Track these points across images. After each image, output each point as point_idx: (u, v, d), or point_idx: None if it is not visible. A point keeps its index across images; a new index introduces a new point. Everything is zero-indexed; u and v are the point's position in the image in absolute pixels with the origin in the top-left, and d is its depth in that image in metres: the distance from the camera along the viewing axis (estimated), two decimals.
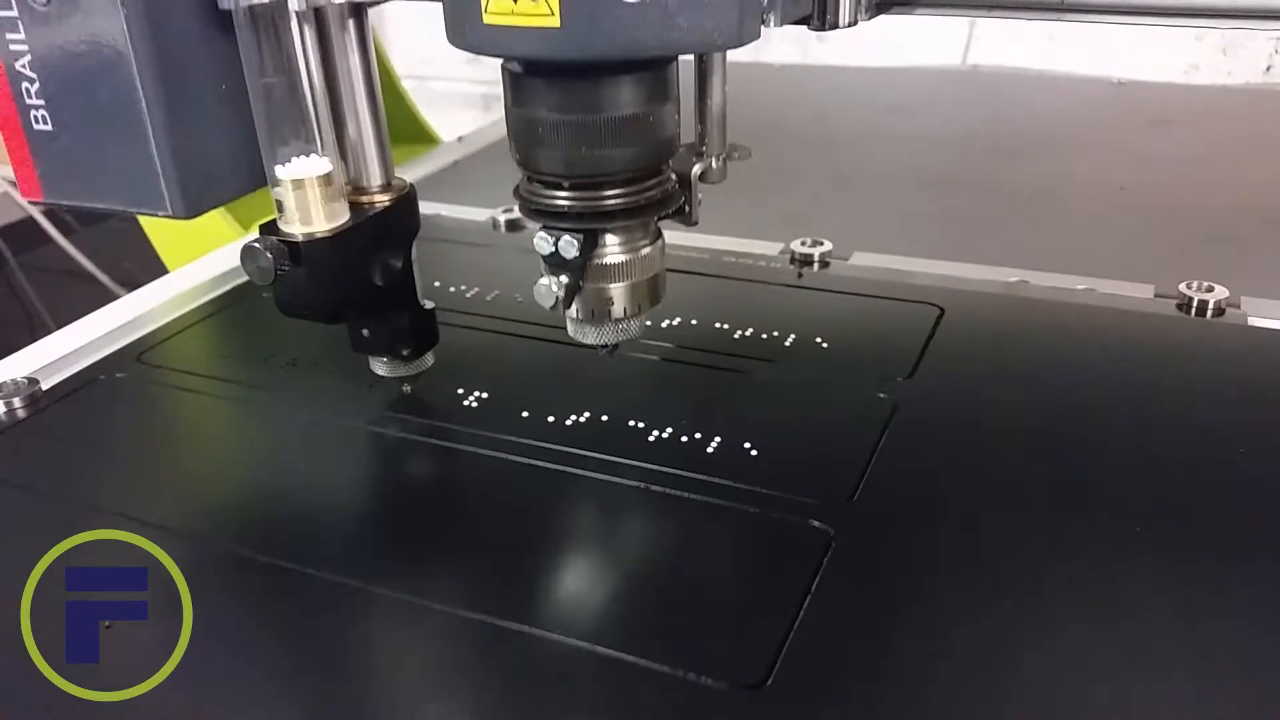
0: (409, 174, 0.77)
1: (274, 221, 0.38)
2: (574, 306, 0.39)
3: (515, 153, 0.37)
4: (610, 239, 0.38)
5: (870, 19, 0.38)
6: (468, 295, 0.55)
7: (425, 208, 0.67)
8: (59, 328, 0.55)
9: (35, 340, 0.53)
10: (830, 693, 0.31)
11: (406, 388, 0.46)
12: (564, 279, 0.37)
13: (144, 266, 0.71)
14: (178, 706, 0.31)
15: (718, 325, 0.51)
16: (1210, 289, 0.51)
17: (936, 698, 0.31)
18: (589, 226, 0.37)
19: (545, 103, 0.34)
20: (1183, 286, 0.52)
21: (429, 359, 0.45)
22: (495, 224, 0.64)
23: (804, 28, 0.44)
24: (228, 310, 0.55)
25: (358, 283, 0.40)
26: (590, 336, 0.40)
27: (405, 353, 0.44)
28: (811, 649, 0.32)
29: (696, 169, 0.39)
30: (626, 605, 0.35)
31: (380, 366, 0.45)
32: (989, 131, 0.87)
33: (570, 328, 0.40)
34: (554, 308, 0.38)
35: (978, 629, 0.33)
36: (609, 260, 0.38)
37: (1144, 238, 0.64)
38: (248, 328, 0.54)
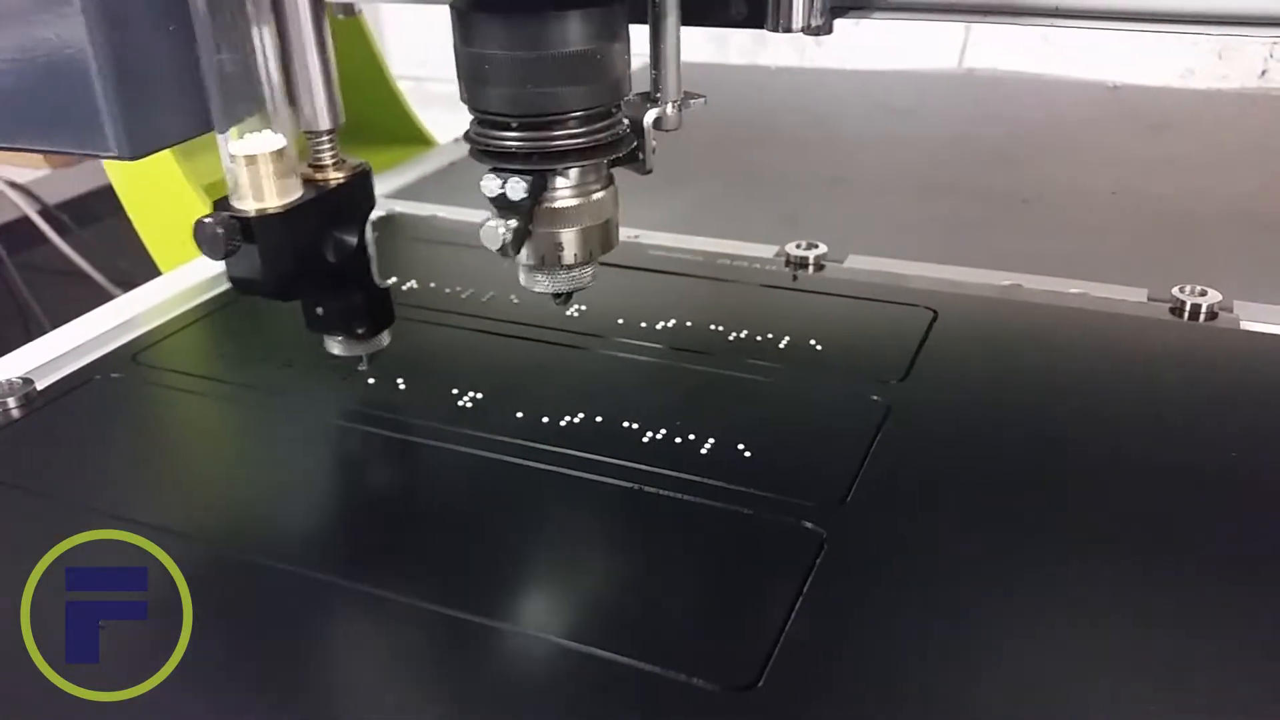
0: (404, 175, 0.78)
1: (228, 198, 0.38)
2: (524, 252, 0.38)
3: (464, 92, 0.36)
4: (560, 182, 0.37)
5: (824, 23, 0.38)
6: (463, 296, 0.55)
7: (421, 209, 0.68)
8: (55, 327, 0.54)
9: (31, 340, 0.53)
10: (821, 695, 0.31)
11: (362, 367, 0.46)
12: (512, 222, 0.37)
13: (140, 266, 0.71)
14: (178, 706, 0.31)
15: (712, 327, 0.51)
16: (1203, 293, 0.51)
17: (927, 700, 0.31)
18: (536, 167, 0.36)
19: (492, 39, 0.34)
20: (1176, 290, 0.52)
21: (385, 338, 0.45)
22: None
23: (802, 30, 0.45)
24: (224, 311, 0.55)
25: (311, 259, 0.41)
26: (542, 284, 0.39)
27: (360, 331, 0.44)
28: (803, 651, 0.32)
29: (650, 116, 0.39)
30: (618, 606, 0.35)
31: (335, 345, 0.45)
32: (984, 135, 0.88)
33: (521, 275, 0.40)
34: (501, 251, 0.37)
35: (969, 631, 0.33)
36: (559, 204, 0.37)
37: (1138, 241, 0.65)
38: (244, 328, 0.54)
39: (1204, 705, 0.31)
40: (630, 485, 0.40)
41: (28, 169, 1.15)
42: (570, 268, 0.39)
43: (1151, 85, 0.96)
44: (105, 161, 0.70)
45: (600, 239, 0.39)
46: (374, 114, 0.84)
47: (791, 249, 0.58)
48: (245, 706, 0.32)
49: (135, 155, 0.36)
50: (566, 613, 0.34)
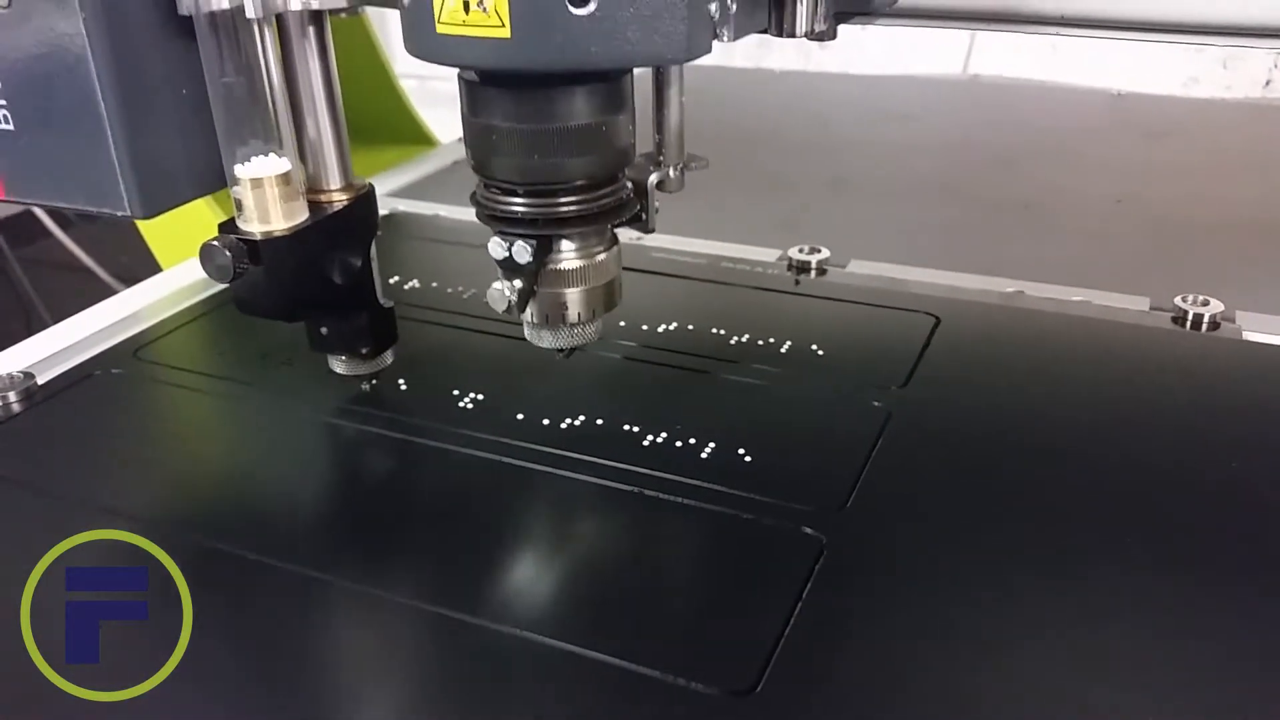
0: (408, 175, 0.78)
1: (233, 220, 0.39)
2: (529, 310, 0.39)
3: (471, 159, 0.37)
4: (565, 245, 0.38)
5: (827, 28, 0.38)
6: (464, 296, 0.55)
7: (423, 208, 0.68)
8: (56, 322, 0.54)
9: (32, 334, 0.53)
10: (820, 700, 0.31)
11: (366, 386, 0.46)
12: (517, 284, 0.38)
13: (142, 262, 0.71)
14: (178, 706, 0.31)
15: (714, 331, 0.51)
16: (1206, 302, 0.51)
17: (927, 706, 0.31)
18: (541, 233, 0.37)
19: (499, 111, 0.35)
20: (1178, 299, 0.52)
21: (388, 357, 0.46)
22: None
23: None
24: (224, 308, 0.55)
25: (316, 281, 0.41)
26: (546, 340, 0.41)
27: (364, 351, 0.44)
28: (802, 656, 0.32)
29: (653, 178, 0.40)
30: (617, 609, 0.35)
31: (339, 365, 0.45)
32: (988, 141, 0.88)
33: (527, 331, 0.41)
34: (507, 311, 0.38)
35: (969, 637, 0.33)
36: (563, 266, 0.38)
37: (1141, 250, 0.65)
38: (245, 325, 0.54)
39: (1204, 712, 0.31)
40: (630, 489, 0.40)
41: None
42: (574, 325, 0.40)
43: (1155, 93, 0.96)
44: None
45: (604, 298, 0.40)
46: (377, 113, 0.84)
47: (794, 253, 0.58)
48: (246, 706, 0.32)
49: (148, 215, 0.37)
50: (565, 616, 0.34)
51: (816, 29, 0.38)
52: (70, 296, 0.64)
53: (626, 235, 0.61)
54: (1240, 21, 0.39)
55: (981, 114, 0.96)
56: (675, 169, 0.41)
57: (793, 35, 0.37)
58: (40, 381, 0.47)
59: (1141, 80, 0.96)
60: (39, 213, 1.13)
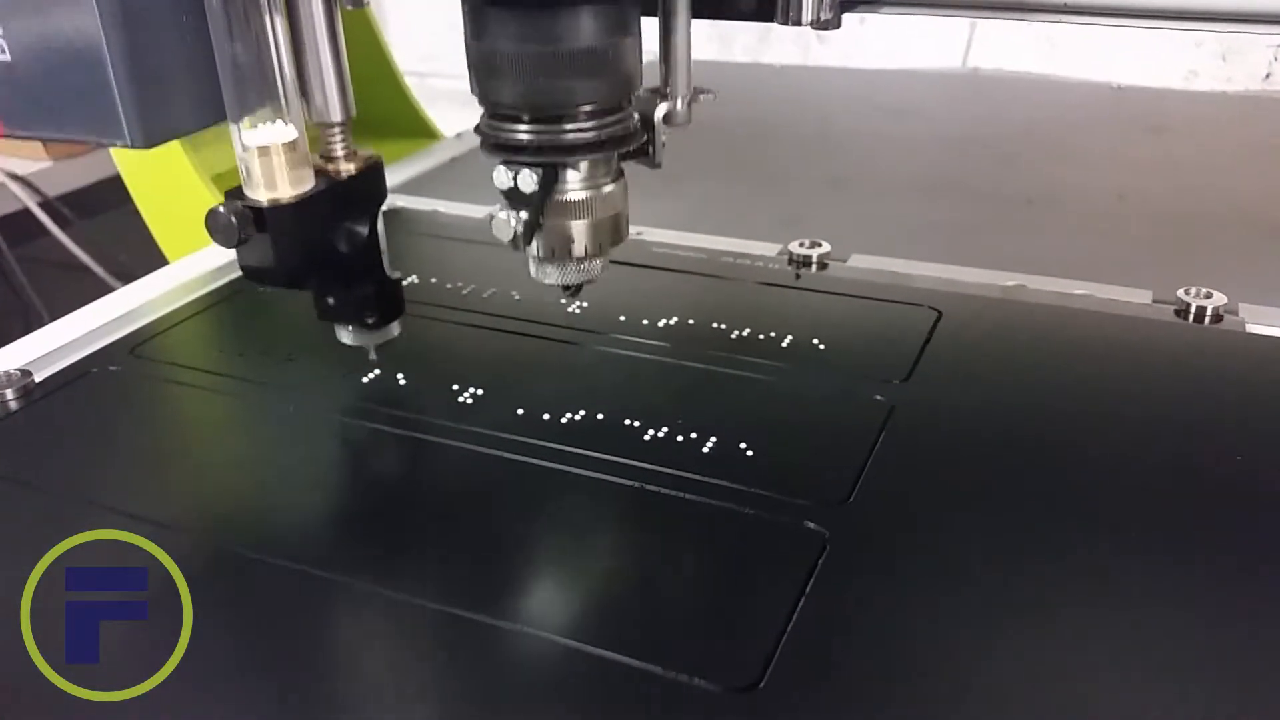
0: (410, 169, 0.77)
1: (240, 188, 0.39)
2: (535, 245, 0.39)
3: (475, 87, 0.37)
4: (571, 175, 0.38)
5: (833, 16, 0.38)
6: (464, 292, 0.55)
7: (425, 204, 0.68)
8: (54, 320, 0.54)
9: (31, 332, 0.53)
10: (824, 695, 0.31)
11: (373, 355, 0.46)
12: (523, 214, 0.37)
13: (141, 260, 0.71)
14: (178, 707, 0.31)
15: (715, 325, 0.50)
16: (1208, 295, 0.51)
17: (931, 701, 0.31)
18: (548, 160, 0.37)
19: (503, 34, 0.34)
20: (1181, 292, 0.52)
21: (395, 328, 0.45)
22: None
23: (804, 29, 0.44)
24: (223, 304, 0.55)
25: (322, 249, 0.41)
26: (552, 276, 0.40)
27: (370, 321, 0.44)
28: (805, 651, 0.32)
29: (660, 111, 0.39)
30: (620, 605, 0.35)
31: (346, 335, 0.45)
32: (988, 135, 0.87)
33: (531, 267, 0.40)
34: (512, 243, 0.38)
35: (973, 632, 0.33)
36: (569, 197, 0.38)
37: (1142, 243, 0.64)
38: (243, 322, 0.54)
39: (1208, 706, 0.31)
40: (631, 484, 0.39)
41: (29, 161, 1.15)
42: (580, 260, 0.39)
43: (1155, 87, 0.96)
44: (114, 151, 0.71)
45: (610, 232, 0.39)
46: (380, 107, 0.84)
47: (795, 247, 0.58)
48: (246, 706, 0.31)
49: (148, 144, 0.36)
50: (567, 612, 0.34)
51: (823, 17, 0.37)
52: (69, 295, 0.64)
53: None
54: (1242, 8, 0.39)
55: (982, 107, 0.96)
56: (682, 101, 0.40)
57: (799, 23, 0.37)
58: (38, 379, 0.47)
59: (1142, 73, 0.96)
60: (37, 211, 1.13)
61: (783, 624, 0.33)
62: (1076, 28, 0.42)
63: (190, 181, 0.65)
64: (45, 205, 1.14)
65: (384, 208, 0.67)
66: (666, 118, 0.40)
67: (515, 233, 0.37)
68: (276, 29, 0.37)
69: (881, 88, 1.01)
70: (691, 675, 0.31)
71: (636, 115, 0.38)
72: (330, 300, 0.44)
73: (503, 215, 0.37)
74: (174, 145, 0.62)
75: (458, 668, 0.33)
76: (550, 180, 0.37)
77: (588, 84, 0.35)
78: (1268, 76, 1.01)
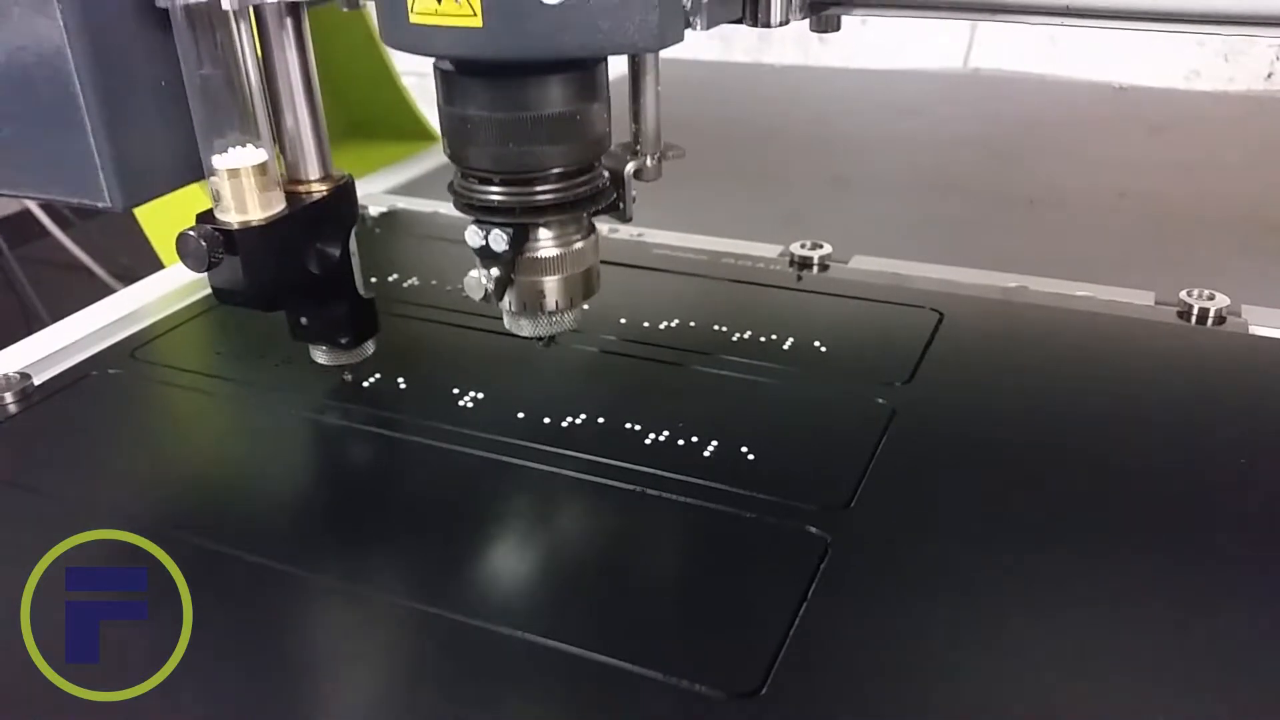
0: (410, 171, 0.77)
1: (211, 211, 0.39)
2: (507, 299, 0.40)
3: (447, 148, 0.37)
4: (542, 233, 0.39)
5: (803, 18, 0.38)
6: (464, 295, 0.54)
7: (422, 205, 0.68)
8: (55, 321, 0.54)
9: (31, 333, 0.53)
10: (825, 700, 0.30)
11: (348, 376, 0.46)
12: (494, 272, 0.38)
13: (141, 261, 0.71)
14: (178, 706, 0.31)
15: (716, 328, 0.50)
16: (1211, 297, 0.51)
17: (932, 705, 0.30)
18: (518, 221, 0.37)
19: (473, 100, 0.35)
20: (1183, 294, 0.51)
21: (369, 348, 0.46)
22: None
23: (806, 28, 0.44)
24: (222, 307, 0.54)
25: (293, 271, 0.41)
26: (525, 329, 0.41)
27: (344, 341, 0.45)
28: (807, 656, 0.32)
29: (630, 167, 0.40)
30: (621, 610, 0.34)
31: (320, 355, 0.45)
32: (990, 135, 0.87)
33: (506, 320, 0.41)
34: (484, 300, 0.39)
35: (974, 636, 0.33)
36: (541, 254, 0.39)
37: (1145, 244, 0.64)
38: (242, 325, 0.54)
39: (1211, 708, 0.30)
40: (632, 488, 0.39)
41: None
42: (552, 313, 0.40)
43: (1157, 87, 0.96)
44: None
45: (581, 286, 0.40)
46: (378, 109, 0.84)
47: (796, 249, 0.58)
48: (246, 706, 0.31)
49: (128, 207, 0.38)
50: (568, 617, 0.34)
51: (792, 19, 0.37)
52: (70, 296, 0.64)
53: (626, 231, 0.61)
54: (1246, 10, 0.38)
55: (983, 108, 0.95)
56: (652, 158, 0.41)
57: (768, 25, 0.37)
58: (37, 382, 0.47)
59: (1143, 73, 0.96)
60: (38, 212, 1.13)
61: (784, 629, 0.32)
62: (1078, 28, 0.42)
63: (185, 189, 0.65)
64: (46, 207, 1.14)
65: (383, 209, 0.67)
66: (637, 174, 0.40)
67: (486, 290, 0.38)
68: (245, 52, 0.38)
69: (883, 88, 1.00)
70: (693, 681, 0.31)
71: (606, 173, 0.39)
72: (303, 321, 0.44)
73: (474, 274, 0.38)
74: None
75: (458, 672, 0.32)
76: (521, 239, 0.38)
77: (558, 149, 0.36)
78: (1269, 76, 1.01)
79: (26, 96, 0.36)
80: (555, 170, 0.37)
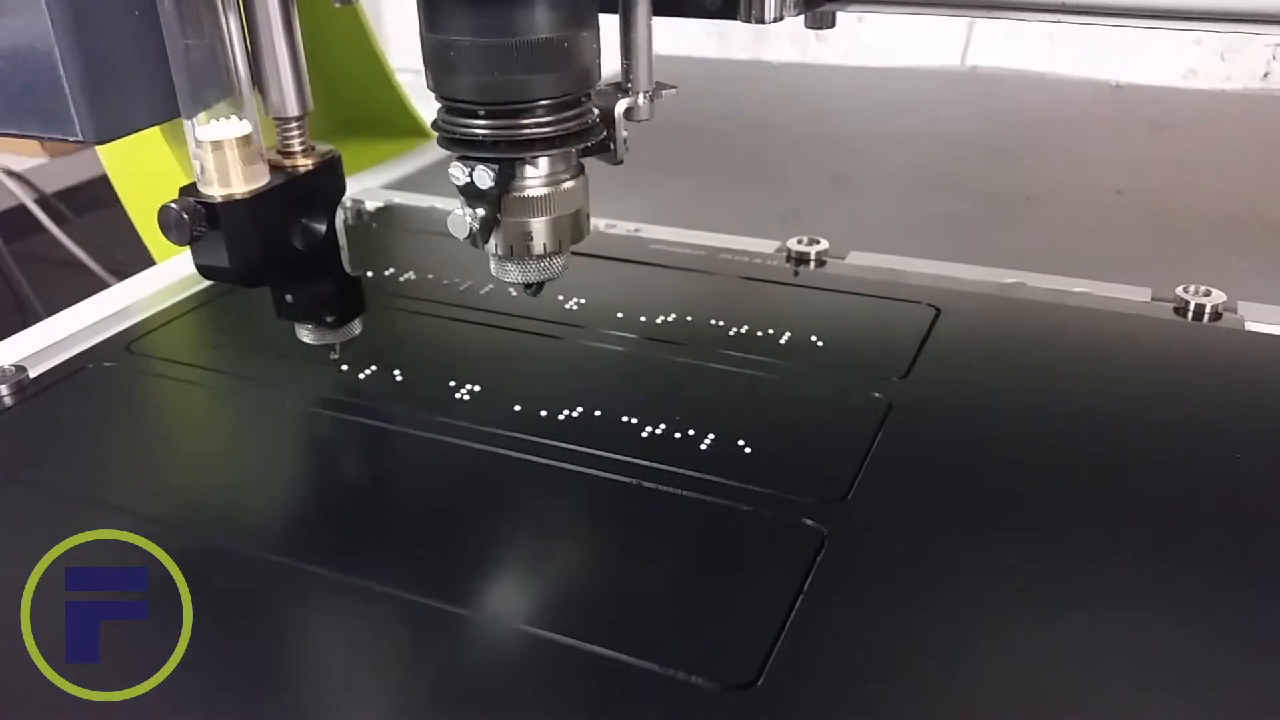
0: (405, 167, 0.77)
1: (194, 184, 0.38)
2: (494, 242, 0.38)
3: (430, 80, 0.36)
4: (529, 171, 0.37)
5: (798, 14, 0.38)
6: (461, 288, 0.54)
7: (418, 200, 0.68)
8: (50, 316, 0.54)
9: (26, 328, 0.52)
10: (821, 692, 0.30)
11: (334, 355, 0.46)
12: (480, 211, 0.37)
13: (137, 256, 0.70)
14: (178, 706, 0.31)
15: (713, 322, 0.50)
16: (1208, 293, 0.51)
17: (928, 698, 0.30)
18: (504, 156, 0.36)
19: (457, 26, 0.34)
20: (1180, 290, 0.51)
21: (356, 327, 0.45)
22: None
23: (803, 26, 0.44)
24: (218, 301, 0.55)
25: (277, 246, 0.40)
26: (512, 274, 0.39)
27: (330, 320, 0.44)
28: (803, 648, 0.32)
29: (621, 106, 0.39)
30: (617, 603, 0.34)
31: (306, 333, 0.45)
32: (987, 132, 0.87)
33: (492, 265, 0.40)
34: (470, 240, 0.37)
35: (971, 629, 0.33)
36: (528, 193, 0.37)
37: (1141, 241, 0.64)
38: (238, 319, 0.54)
39: (1207, 706, 0.30)
40: (629, 481, 0.39)
41: (25, 157, 1.14)
42: (540, 258, 0.38)
43: (1154, 85, 0.96)
44: (99, 150, 0.70)
45: (570, 229, 0.39)
46: (372, 105, 0.84)
47: (793, 244, 0.58)
48: (246, 705, 0.31)
49: (100, 140, 0.36)
50: (564, 609, 0.34)
51: (786, 16, 0.37)
52: (65, 292, 0.64)
53: (623, 226, 0.61)
54: (1243, 8, 0.39)
55: (980, 105, 0.95)
56: (644, 95, 0.39)
57: (761, 21, 0.37)
58: (32, 375, 0.47)
59: (1140, 72, 0.96)
60: (33, 207, 1.12)
61: (780, 622, 0.32)
62: (1075, 25, 0.42)
63: (175, 177, 0.65)
64: (42, 201, 1.14)
65: (379, 204, 0.67)
66: (628, 113, 0.39)
67: (472, 230, 0.36)
68: (230, 22, 0.37)
69: (880, 85, 1.00)
70: (689, 673, 0.31)
71: (596, 110, 0.38)
72: (289, 298, 0.43)
73: (459, 212, 0.37)
74: (158, 141, 0.61)
75: (455, 666, 0.32)
76: (507, 177, 0.36)
77: (544, 77, 0.34)
78: (1266, 75, 1.01)
79: None
80: (543, 102, 0.35)
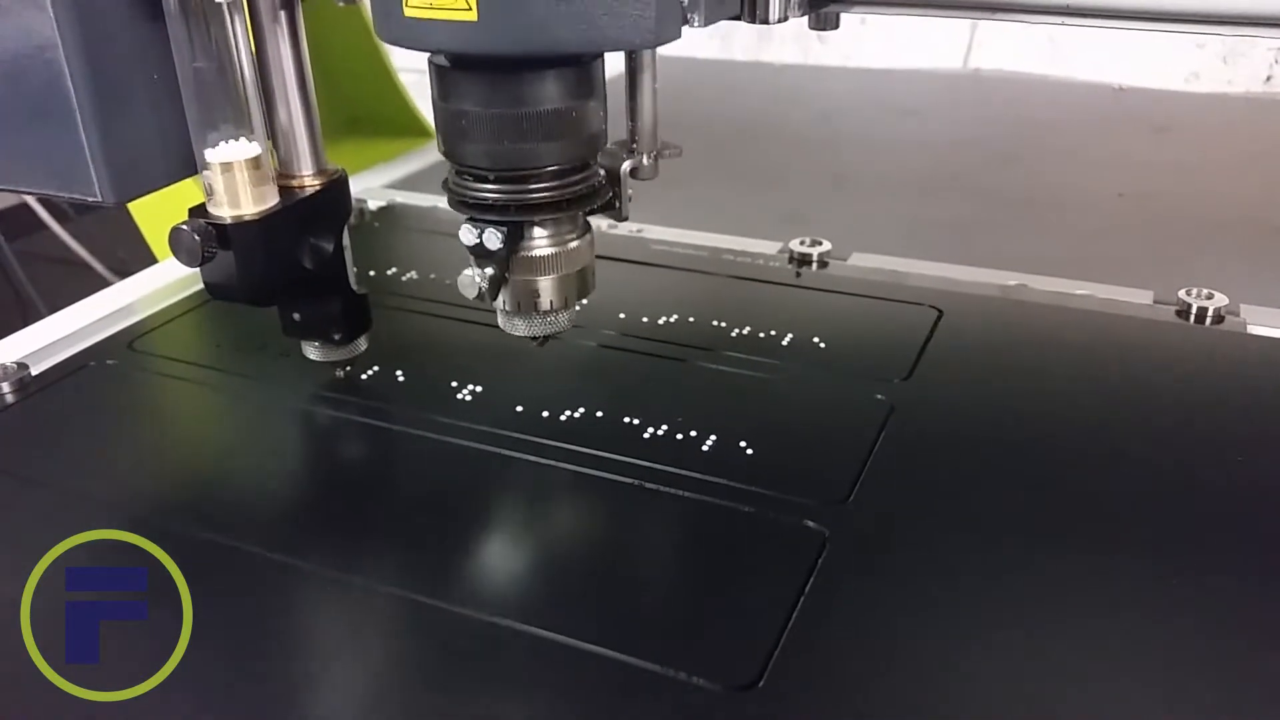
0: (407, 166, 0.77)
1: (204, 205, 0.39)
2: (501, 298, 0.39)
3: (441, 144, 0.37)
4: (537, 232, 0.38)
5: (802, 15, 0.38)
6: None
7: (421, 200, 0.68)
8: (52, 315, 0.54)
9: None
10: (823, 694, 0.30)
11: (340, 372, 0.46)
12: (488, 270, 0.38)
13: (138, 255, 0.70)
14: (178, 706, 0.31)
15: (715, 323, 0.50)
16: (1210, 296, 0.51)
17: (929, 700, 0.30)
18: (512, 219, 0.37)
19: (468, 96, 0.35)
20: (1182, 293, 0.51)
21: (362, 344, 0.46)
22: None
23: (805, 27, 0.44)
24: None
25: (286, 266, 0.41)
26: (520, 329, 0.40)
27: (337, 337, 0.44)
28: (804, 650, 0.32)
29: (626, 165, 0.39)
30: (619, 604, 0.34)
31: (312, 351, 0.45)
32: (989, 135, 0.87)
33: (500, 320, 0.41)
34: (478, 299, 0.38)
35: (972, 630, 0.33)
36: (535, 253, 0.38)
37: (1143, 243, 0.64)
38: (240, 317, 0.53)
39: (1207, 708, 0.30)
40: (631, 482, 0.39)
41: None
42: (547, 313, 0.40)
43: (1157, 88, 0.96)
44: None
45: (576, 286, 0.40)
46: (375, 105, 0.84)
47: (795, 245, 0.58)
48: (246, 705, 0.31)
49: (119, 202, 0.37)
50: (566, 610, 0.34)
51: (790, 16, 0.37)
52: (66, 291, 0.64)
53: (626, 227, 0.60)
54: (1247, 10, 0.38)
55: (983, 108, 0.95)
56: (649, 156, 0.40)
57: (765, 22, 0.37)
58: (34, 372, 0.47)
59: (1143, 75, 0.96)
60: (36, 206, 1.12)
61: (782, 623, 0.32)
62: (1078, 28, 0.42)
63: (180, 184, 0.65)
64: (44, 200, 1.14)
65: (381, 204, 0.67)
66: (633, 172, 0.40)
67: (480, 289, 0.38)
68: (239, 45, 0.37)
69: (883, 87, 1.00)
70: (690, 674, 0.31)
71: (602, 172, 0.39)
72: (296, 316, 0.44)
73: (468, 272, 0.38)
74: None
75: (457, 665, 0.32)
76: (515, 238, 0.37)
77: (553, 145, 0.36)
78: (1268, 79, 1.01)
79: (18, 89, 0.36)
80: (550, 168, 0.36)
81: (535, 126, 0.35)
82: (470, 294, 0.38)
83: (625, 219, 0.40)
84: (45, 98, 0.35)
